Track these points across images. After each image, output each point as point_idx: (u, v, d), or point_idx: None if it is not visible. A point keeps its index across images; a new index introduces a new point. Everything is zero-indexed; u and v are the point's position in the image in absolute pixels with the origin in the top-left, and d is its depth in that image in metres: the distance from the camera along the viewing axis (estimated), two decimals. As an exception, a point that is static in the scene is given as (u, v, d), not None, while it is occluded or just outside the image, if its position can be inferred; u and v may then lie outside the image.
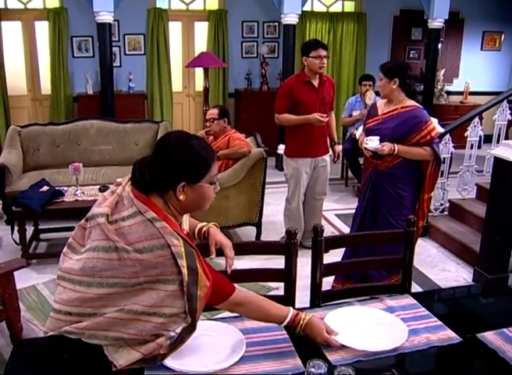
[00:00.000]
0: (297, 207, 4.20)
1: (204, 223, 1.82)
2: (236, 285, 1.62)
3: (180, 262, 1.43)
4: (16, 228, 3.98)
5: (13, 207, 3.90)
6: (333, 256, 3.45)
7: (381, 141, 3.06)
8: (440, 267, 4.12)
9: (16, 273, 2.94)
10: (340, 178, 6.42)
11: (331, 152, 4.29)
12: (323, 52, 3.82)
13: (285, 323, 1.65)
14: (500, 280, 3.66)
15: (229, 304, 1.59)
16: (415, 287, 3.65)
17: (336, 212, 5.29)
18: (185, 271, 1.44)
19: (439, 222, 4.67)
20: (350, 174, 6.10)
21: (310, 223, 4.23)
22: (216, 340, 1.64)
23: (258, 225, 4.45)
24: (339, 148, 4.36)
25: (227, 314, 2.05)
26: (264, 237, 4.45)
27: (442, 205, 4.81)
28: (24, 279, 3.61)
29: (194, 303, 1.47)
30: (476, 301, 2.12)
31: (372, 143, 3.07)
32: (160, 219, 1.46)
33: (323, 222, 4.94)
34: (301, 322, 1.64)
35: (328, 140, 4.22)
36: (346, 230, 4.64)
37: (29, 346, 1.78)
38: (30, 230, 4.26)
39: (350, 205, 4.85)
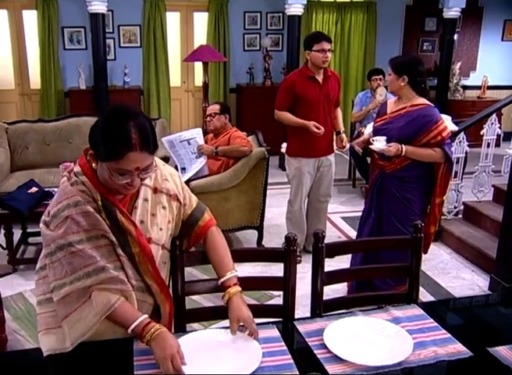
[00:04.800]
0: (300, 210, 4.21)
1: (229, 278, 1.78)
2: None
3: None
4: (3, 232, 4.02)
5: (-1, 209, 3.93)
6: (339, 262, 3.50)
7: (388, 141, 3.06)
8: (453, 274, 4.12)
9: (1, 280, 2.97)
10: (348, 179, 6.44)
11: (335, 148, 4.27)
12: (327, 45, 3.82)
13: (130, 329, 1.59)
14: (518, 288, 3.65)
15: None
16: (426, 296, 3.66)
17: (343, 214, 5.30)
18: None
19: (453, 226, 4.67)
20: (357, 175, 6.10)
21: (314, 226, 4.23)
22: (231, 350, 1.66)
23: (260, 229, 4.46)
24: (345, 136, 4.23)
25: (221, 324, 2.08)
26: (266, 242, 4.46)
27: (455, 207, 4.80)
28: (10, 286, 3.63)
29: None
30: (490, 313, 2.10)
31: (378, 143, 3.07)
32: (81, 172, 1.66)
33: (329, 225, 4.95)
34: (151, 332, 1.56)
35: (332, 139, 4.22)
36: (353, 233, 4.64)
37: (14, 360, 1.79)
38: (18, 233, 4.29)
39: (358, 208, 4.85)
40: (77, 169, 1.68)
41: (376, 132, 3.18)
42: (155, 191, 1.77)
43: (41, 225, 1.68)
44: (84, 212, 1.61)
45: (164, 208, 1.77)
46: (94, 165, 1.63)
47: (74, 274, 1.60)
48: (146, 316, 1.63)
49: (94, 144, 1.60)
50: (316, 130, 3.85)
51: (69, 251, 1.60)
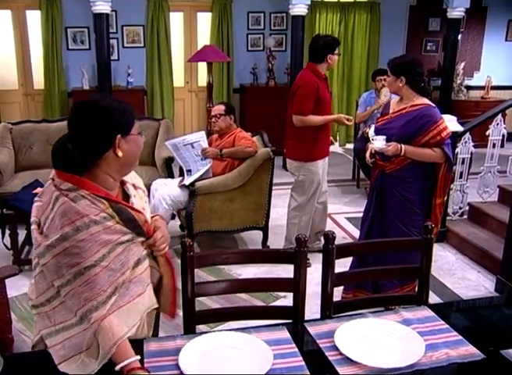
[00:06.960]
0: (311, 212, 4.18)
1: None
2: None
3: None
4: (8, 232, 4.01)
5: (4, 210, 3.92)
6: (344, 263, 3.49)
7: (388, 140, 3.07)
8: (459, 275, 4.10)
9: (7, 281, 2.95)
10: (352, 179, 6.42)
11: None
12: None
13: (117, 367, 1.53)
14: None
15: None
16: (432, 297, 3.63)
17: (347, 215, 5.29)
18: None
19: (458, 226, 4.65)
20: (361, 175, 6.09)
21: (317, 223, 4.28)
22: (241, 353, 1.65)
23: (265, 229, 4.45)
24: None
25: (227, 326, 2.07)
26: (271, 242, 4.45)
27: (461, 208, 4.79)
28: (16, 286, 3.61)
29: None
30: (500, 314, 2.10)
31: (378, 142, 3.08)
32: (74, 187, 1.60)
33: (334, 225, 4.95)
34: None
35: None
36: (358, 234, 4.57)
37: (21, 361, 1.79)
38: (22, 234, 4.28)
39: (362, 208, 4.75)
40: (65, 186, 1.60)
41: (377, 132, 3.20)
42: (134, 187, 1.83)
43: (48, 255, 1.57)
44: (106, 229, 1.60)
45: (146, 202, 1.86)
46: (120, 153, 1.64)
47: (101, 296, 1.57)
48: (137, 357, 1.56)
49: (115, 128, 1.64)
50: (346, 121, 4.02)
51: (94, 272, 1.56)
